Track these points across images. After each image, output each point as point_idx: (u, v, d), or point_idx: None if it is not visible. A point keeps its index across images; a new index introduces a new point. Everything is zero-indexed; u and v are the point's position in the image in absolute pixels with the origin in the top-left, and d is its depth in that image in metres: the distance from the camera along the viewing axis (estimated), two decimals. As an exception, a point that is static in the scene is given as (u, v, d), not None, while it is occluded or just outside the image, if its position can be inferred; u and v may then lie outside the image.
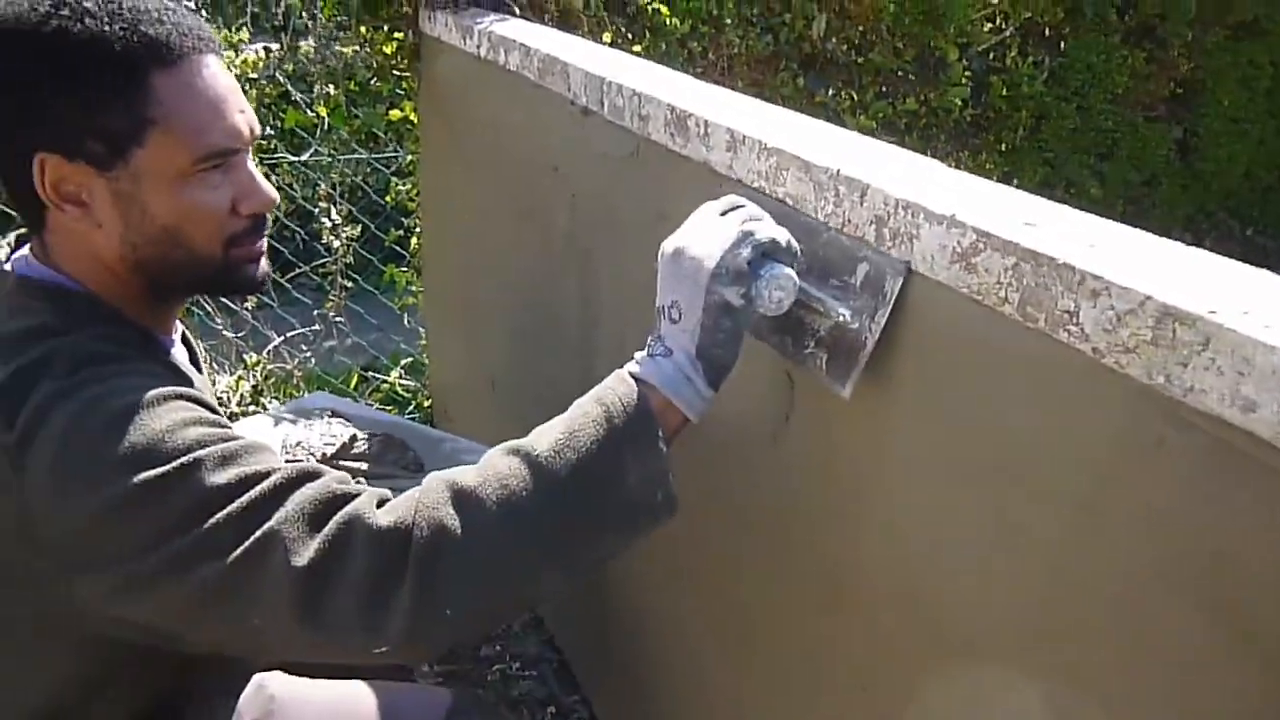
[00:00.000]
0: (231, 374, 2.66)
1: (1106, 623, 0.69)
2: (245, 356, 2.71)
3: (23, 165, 0.88)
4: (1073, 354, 0.67)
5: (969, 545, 0.81)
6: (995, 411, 0.77)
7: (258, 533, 0.78)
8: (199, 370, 1.12)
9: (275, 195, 0.98)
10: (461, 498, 0.81)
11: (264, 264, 1.00)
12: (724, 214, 0.91)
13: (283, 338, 2.79)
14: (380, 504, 0.83)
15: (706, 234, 0.89)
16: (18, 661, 0.93)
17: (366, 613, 0.77)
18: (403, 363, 2.93)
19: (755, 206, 0.92)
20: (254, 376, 2.66)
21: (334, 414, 1.66)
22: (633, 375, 0.89)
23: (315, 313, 2.80)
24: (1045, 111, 3.08)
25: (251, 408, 2.56)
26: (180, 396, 0.86)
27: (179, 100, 0.88)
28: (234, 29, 2.19)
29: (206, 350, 2.67)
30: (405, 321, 2.94)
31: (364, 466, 1.52)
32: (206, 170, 0.91)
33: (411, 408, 2.84)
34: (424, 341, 2.86)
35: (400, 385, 2.91)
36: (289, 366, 2.77)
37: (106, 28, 0.86)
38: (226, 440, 0.84)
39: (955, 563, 0.83)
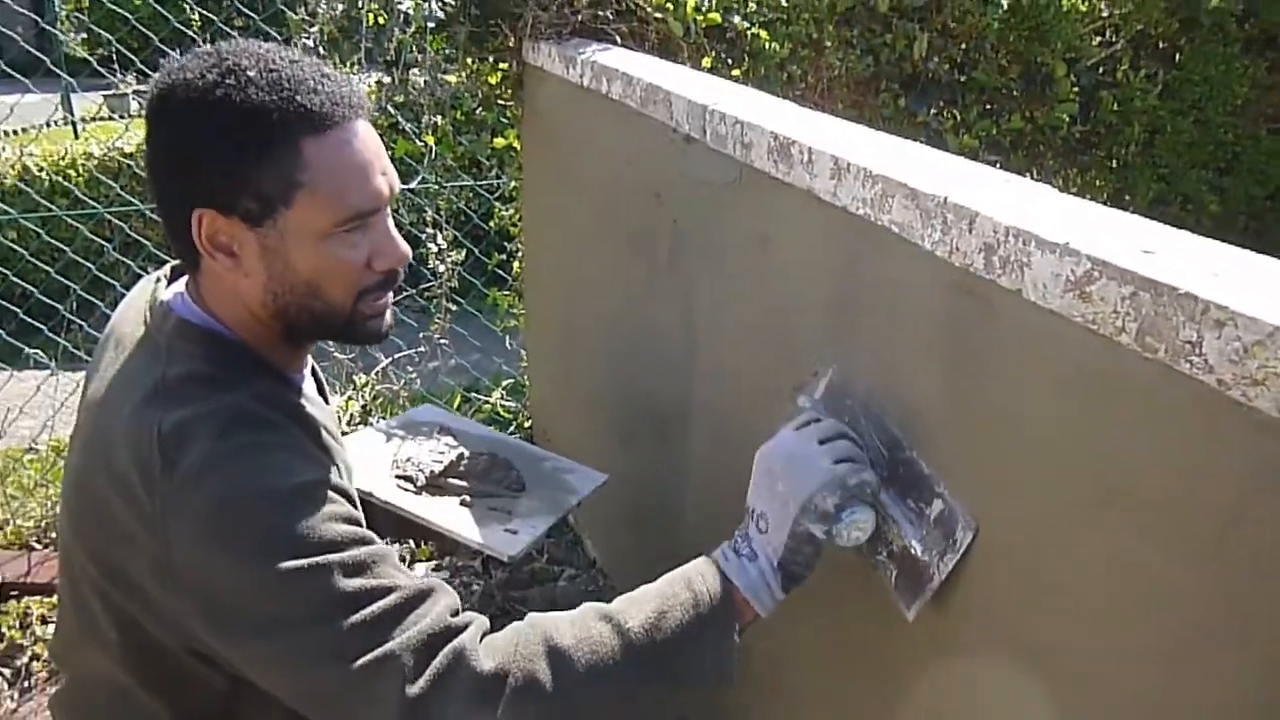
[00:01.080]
0: (341, 394, 2.76)
1: (1239, 670, 0.66)
2: (355, 378, 2.80)
3: (184, 216, 0.95)
4: (1196, 386, 0.65)
5: (1086, 586, 0.79)
6: (1110, 444, 0.75)
7: (377, 651, 0.87)
8: (326, 400, 1.18)
9: (407, 251, 1.02)
10: (555, 656, 0.92)
11: (389, 317, 1.06)
12: (822, 442, 0.99)
13: (390, 359, 2.88)
14: (484, 636, 0.92)
15: (801, 469, 0.98)
16: (166, 679, 1.01)
17: None
18: (504, 384, 2.99)
19: (850, 439, 1.00)
20: (363, 397, 2.75)
21: (442, 429, 1.71)
22: (720, 570, 1.00)
23: (421, 335, 2.88)
24: (1159, 126, 2.97)
25: (360, 427, 2.64)
26: (325, 484, 0.94)
27: (326, 166, 0.94)
28: (349, 65, 2.29)
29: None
30: (507, 343, 3.00)
31: (469, 484, 1.57)
32: (348, 230, 0.97)
33: (512, 428, 2.89)
34: (525, 363, 2.91)
35: (501, 406, 2.97)
36: (395, 387, 2.85)
37: (266, 97, 0.92)
38: (360, 543, 0.92)
39: (1074, 606, 0.81)
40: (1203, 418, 0.66)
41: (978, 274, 0.86)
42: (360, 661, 0.87)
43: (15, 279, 2.89)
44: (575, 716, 0.92)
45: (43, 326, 2.84)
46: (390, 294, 1.04)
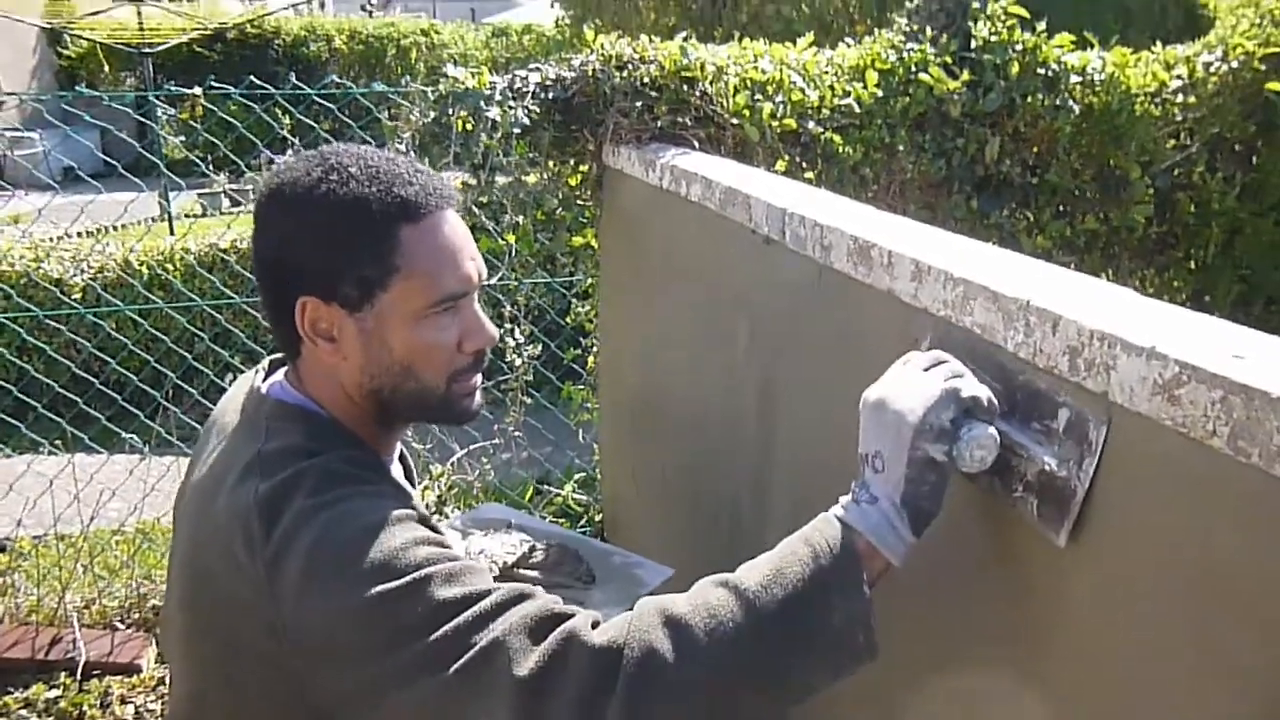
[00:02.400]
0: (419, 485, 2.81)
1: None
2: (431, 468, 2.86)
3: (287, 305, 1.02)
4: (1292, 490, 0.65)
5: (1185, 689, 0.78)
6: (1208, 547, 0.75)
7: (482, 643, 0.86)
8: (413, 485, 1.22)
9: (495, 333, 1.07)
10: (672, 624, 0.87)
11: (479, 397, 1.10)
12: (927, 369, 0.95)
13: (465, 450, 2.93)
14: (594, 625, 0.89)
15: (910, 389, 0.93)
16: None
17: None
18: (576, 477, 3.01)
19: (957, 362, 0.95)
20: (439, 487, 2.80)
21: (511, 525, 1.74)
22: (839, 519, 0.93)
23: (495, 426, 2.93)
24: (1239, 227, 2.95)
25: (435, 517, 2.69)
26: (409, 518, 0.96)
27: (421, 251, 1.00)
28: (438, 167, 2.40)
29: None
30: (580, 437, 3.04)
31: (541, 575, 1.58)
32: (440, 313, 1.02)
33: (583, 521, 2.91)
34: (597, 457, 2.94)
35: (573, 499, 2.99)
36: (470, 478, 2.90)
37: (365, 190, 0.99)
38: (451, 560, 0.93)
39: (1173, 705, 0.79)
40: (1301, 522, 0.65)
41: (1063, 375, 0.87)
42: (463, 659, 0.85)
43: (116, 366, 3.04)
44: (703, 694, 0.86)
45: (139, 412, 2.97)
46: (479, 375, 1.08)
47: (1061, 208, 2.75)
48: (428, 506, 2.76)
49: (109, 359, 3.04)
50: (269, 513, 0.94)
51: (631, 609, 0.94)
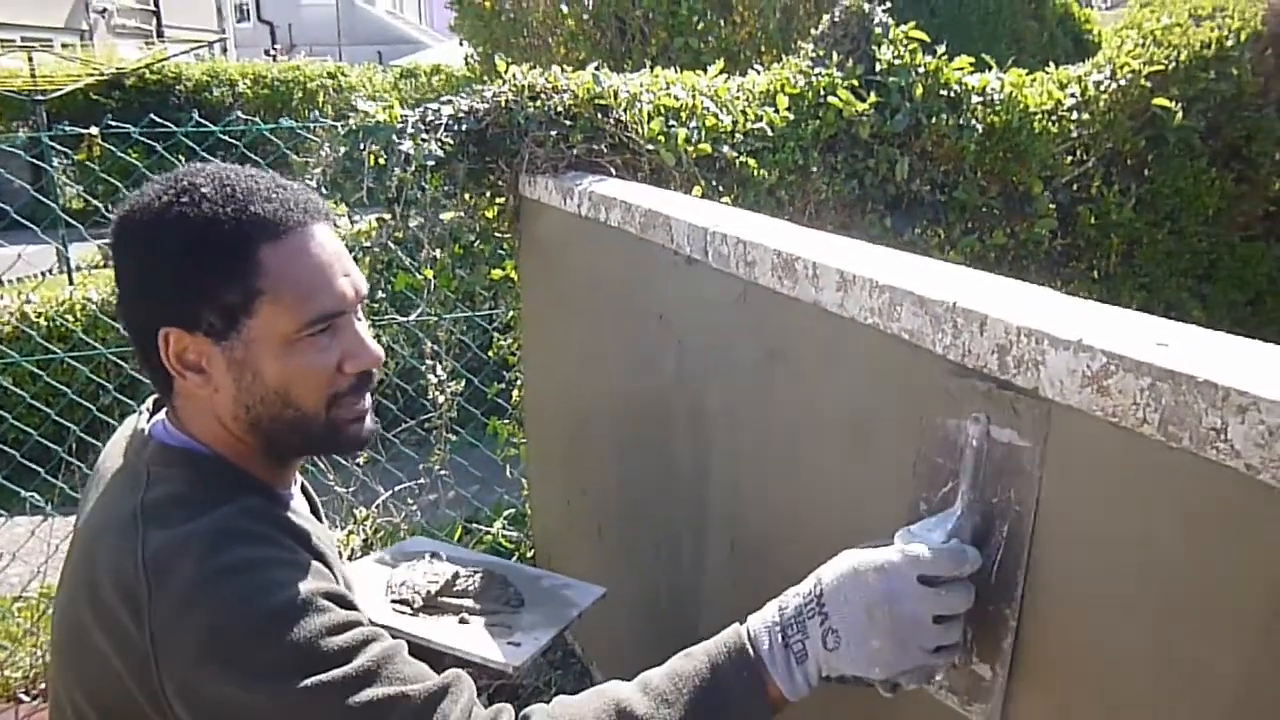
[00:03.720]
0: (343, 529, 2.72)
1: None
2: (355, 511, 2.77)
3: (150, 338, 0.96)
4: (1225, 471, 0.66)
5: (1142, 686, 0.78)
6: (1150, 542, 0.75)
7: None
8: (320, 519, 1.16)
9: (380, 353, 1.02)
10: None
11: (369, 422, 1.04)
12: (929, 584, 0.86)
13: (390, 492, 2.86)
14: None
15: (901, 641, 0.85)
16: None
17: None
18: (505, 513, 2.96)
19: (960, 594, 0.87)
20: (364, 530, 2.72)
21: (434, 555, 1.69)
22: (762, 666, 0.90)
23: (421, 466, 2.87)
24: (1136, 237, 3.07)
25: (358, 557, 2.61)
26: (317, 594, 0.90)
27: (285, 270, 0.95)
28: (350, 204, 2.35)
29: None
30: (508, 473, 2.99)
31: (468, 603, 1.54)
32: (314, 334, 0.96)
33: (514, 558, 2.85)
34: (526, 492, 2.89)
35: (503, 536, 2.94)
36: (396, 520, 2.82)
37: (219, 210, 0.94)
38: (366, 646, 0.89)
39: (1121, 696, 0.80)
40: (1236, 503, 0.66)
41: (992, 374, 0.88)
42: None
43: (14, 421, 2.88)
44: None
45: (40, 469, 2.82)
46: (368, 398, 1.03)
47: (970, 224, 2.83)
48: (352, 552, 2.68)
49: (6, 414, 2.89)
50: (156, 577, 0.89)
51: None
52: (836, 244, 1.24)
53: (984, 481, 0.90)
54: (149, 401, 1.10)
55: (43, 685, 2.46)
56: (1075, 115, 2.87)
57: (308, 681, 0.85)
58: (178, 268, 0.95)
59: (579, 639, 2.47)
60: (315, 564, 0.95)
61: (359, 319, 1.02)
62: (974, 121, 2.70)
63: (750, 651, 0.90)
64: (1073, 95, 2.88)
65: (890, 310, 1.01)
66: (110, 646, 0.90)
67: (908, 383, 1.01)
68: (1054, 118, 2.84)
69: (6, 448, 2.81)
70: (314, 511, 1.16)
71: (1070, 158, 2.94)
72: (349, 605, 0.94)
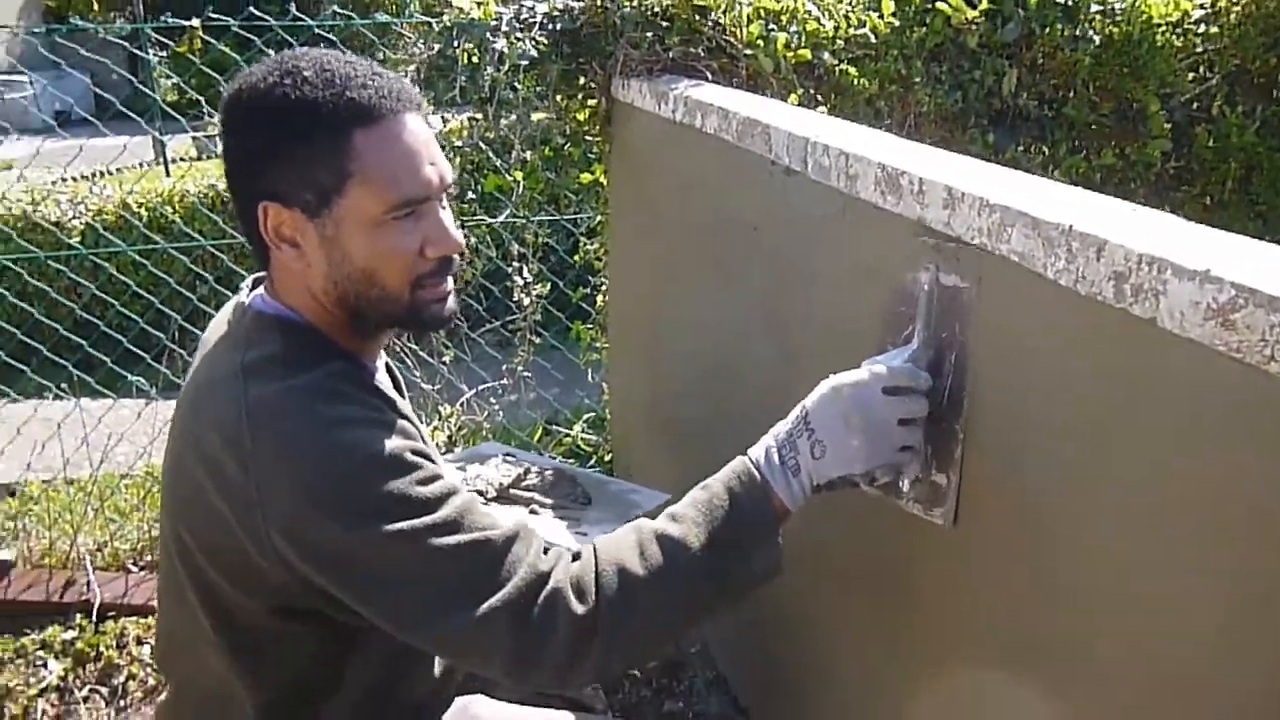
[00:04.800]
0: (428, 425, 2.80)
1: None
2: (440, 408, 2.85)
3: (252, 210, 1.03)
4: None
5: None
6: (1262, 476, 0.73)
7: (484, 607, 0.95)
8: (401, 395, 1.21)
9: (461, 240, 1.07)
10: (635, 589, 0.99)
11: (451, 302, 1.10)
12: (896, 393, 1.05)
13: (473, 391, 2.92)
14: (574, 579, 0.99)
15: (874, 438, 1.03)
16: (273, 654, 1.07)
17: (564, 673, 0.99)
18: (585, 417, 3.00)
19: (923, 401, 1.07)
20: (448, 427, 2.79)
21: (508, 455, 1.74)
22: (764, 479, 1.05)
23: (504, 367, 2.91)
24: (1257, 163, 2.90)
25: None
26: (406, 449, 0.99)
27: (376, 156, 0.99)
28: (442, 102, 2.35)
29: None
30: (589, 377, 3.03)
31: (538, 496, 1.60)
32: (400, 218, 1.01)
33: (592, 461, 2.90)
34: (606, 397, 2.93)
35: (582, 439, 2.99)
36: (479, 419, 2.89)
37: (319, 94, 0.99)
38: (449, 498, 0.99)
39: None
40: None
41: (1106, 302, 0.84)
42: (471, 616, 0.95)
43: (120, 309, 3.01)
44: (660, 632, 1.04)
45: (145, 355, 2.95)
46: (450, 281, 1.09)
47: (1078, 142, 2.70)
48: (437, 446, 2.75)
49: (113, 301, 3.01)
50: (259, 426, 0.97)
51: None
52: (944, 159, 1.20)
53: (935, 320, 1.09)
54: (249, 280, 1.17)
55: (149, 557, 2.61)
56: (1202, 28, 2.69)
57: (401, 525, 0.95)
58: (277, 145, 1.00)
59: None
60: (402, 423, 1.03)
61: (444, 206, 1.07)
62: (1091, 32, 2.55)
63: (756, 474, 1.05)
64: (1201, 6, 2.70)
65: (1000, 231, 0.98)
66: (215, 490, 0.99)
67: (1015, 306, 0.99)
68: (1179, 30, 2.67)
69: (113, 333, 2.94)
70: (396, 387, 1.22)
71: (1192, 74, 2.77)
72: (432, 461, 1.02)
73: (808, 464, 1.04)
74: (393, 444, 0.98)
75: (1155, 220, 0.90)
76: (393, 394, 1.11)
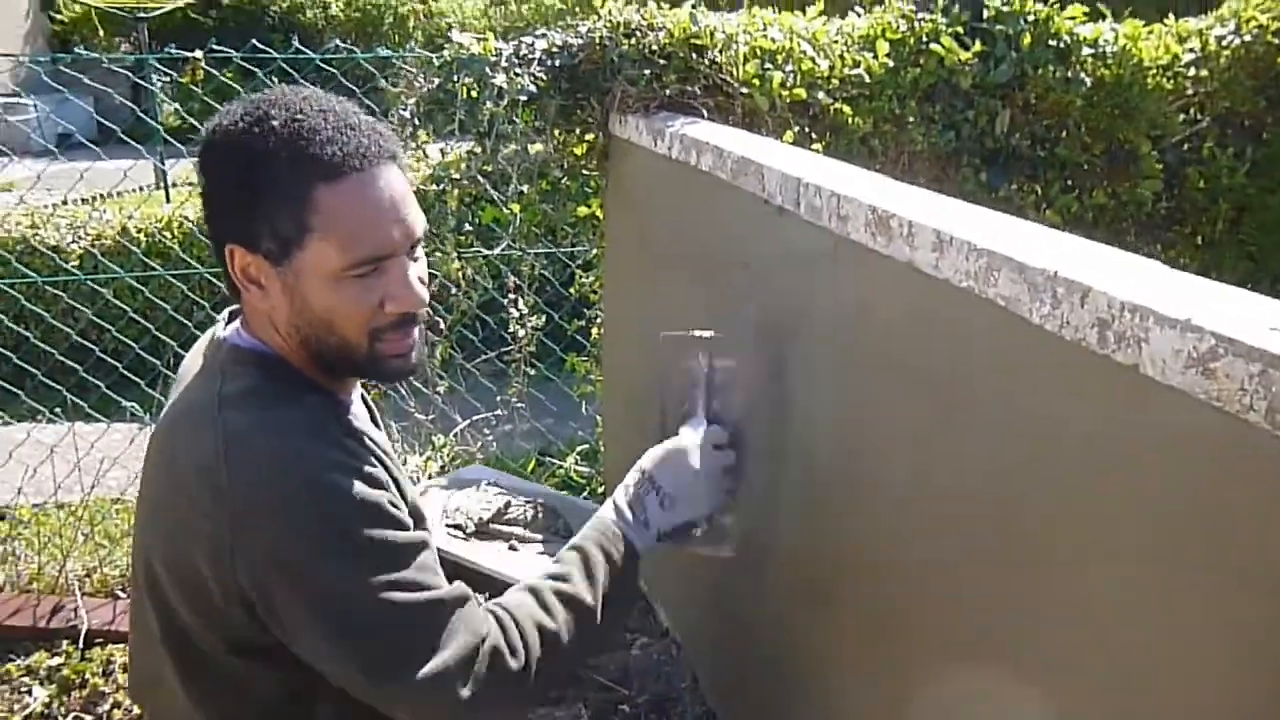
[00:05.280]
0: (421, 454, 2.80)
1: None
2: (434, 439, 2.85)
3: (220, 250, 1.06)
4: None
5: (1204, 663, 0.77)
6: (1237, 521, 0.74)
7: (434, 663, 1.01)
8: (377, 426, 1.23)
9: (423, 296, 1.08)
10: (553, 643, 1.12)
11: (413, 357, 1.11)
12: (717, 447, 1.35)
13: (467, 421, 2.92)
14: (506, 638, 1.09)
15: (710, 481, 1.33)
16: (232, 692, 1.08)
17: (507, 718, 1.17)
18: (578, 449, 3.01)
19: (733, 454, 1.38)
20: (442, 457, 2.79)
21: (491, 484, 1.73)
22: (625, 538, 1.24)
23: (498, 398, 2.92)
24: (1247, 204, 2.93)
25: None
26: (373, 493, 1.02)
27: (336, 213, 1.00)
28: (440, 134, 2.37)
29: (399, 432, 2.82)
30: (583, 409, 3.03)
31: (519, 531, 1.58)
32: (361, 274, 1.02)
33: (585, 493, 2.90)
34: (600, 429, 2.93)
35: (575, 471, 2.99)
36: (472, 449, 2.89)
37: (283, 148, 0.99)
38: (410, 553, 1.03)
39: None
40: None
41: (1090, 349, 0.86)
42: (423, 673, 1.00)
43: (116, 334, 3.02)
44: (568, 672, 1.34)
45: (139, 380, 2.95)
46: (415, 333, 1.10)
47: (1070, 182, 2.73)
48: (429, 476, 2.75)
49: (108, 326, 3.02)
50: (233, 457, 0.98)
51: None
52: (934, 202, 1.22)
53: (715, 393, 1.42)
54: (225, 312, 1.18)
55: (138, 583, 2.60)
56: (1192, 71, 2.73)
57: (366, 579, 0.98)
58: (241, 192, 1.02)
59: (644, 578, 2.52)
60: (374, 471, 1.04)
61: (415, 258, 1.07)
62: (1082, 74, 2.58)
63: (618, 532, 1.24)
64: (1191, 50, 2.74)
65: (987, 275, 0.99)
66: (188, 520, 1.01)
67: (1000, 348, 1.00)
68: (1169, 73, 2.70)
69: (108, 358, 2.95)
70: (372, 418, 1.23)
71: (1183, 116, 2.81)
72: (404, 502, 1.06)
73: (656, 517, 1.26)
74: (365, 493, 1.00)
75: (1139, 266, 0.91)
76: (368, 427, 1.13)
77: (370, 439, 1.09)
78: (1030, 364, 0.95)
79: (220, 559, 0.98)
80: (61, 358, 2.94)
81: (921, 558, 1.17)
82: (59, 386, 2.89)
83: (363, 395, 1.24)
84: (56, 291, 3.54)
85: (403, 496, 1.09)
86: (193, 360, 1.15)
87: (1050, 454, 0.94)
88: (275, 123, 1.00)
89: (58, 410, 2.93)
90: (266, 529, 0.98)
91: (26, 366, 2.86)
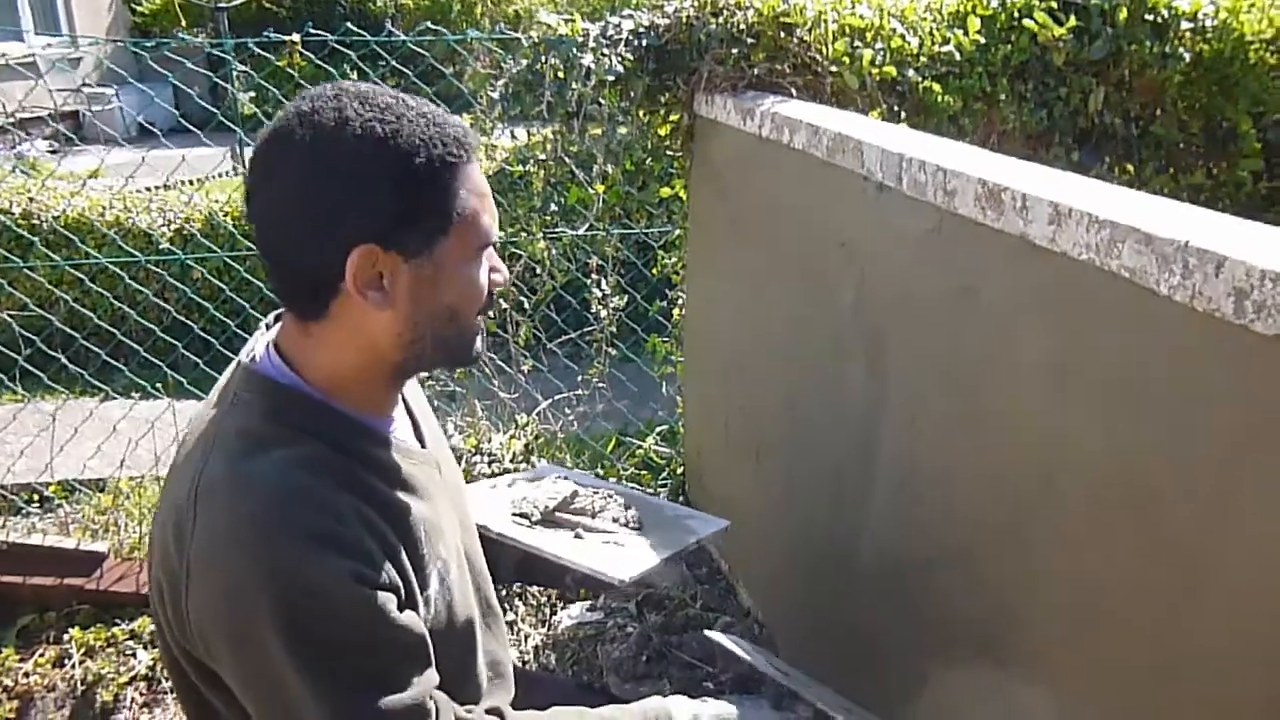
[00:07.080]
0: (505, 433, 2.85)
1: None
2: (517, 417, 2.89)
3: (335, 255, 0.94)
4: None
5: None
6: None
7: None
8: (422, 443, 1.16)
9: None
10: None
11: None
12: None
13: (549, 400, 2.96)
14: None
15: None
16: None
17: None
18: (658, 430, 3.02)
19: None
20: (524, 436, 2.83)
21: (562, 478, 1.71)
22: None
23: (580, 378, 2.95)
24: (1352, 183, 2.82)
25: (523, 464, 2.72)
26: (345, 576, 0.92)
27: (471, 195, 0.99)
28: (529, 116, 2.40)
29: (483, 410, 2.87)
30: (664, 390, 3.05)
31: (585, 520, 1.57)
32: (480, 256, 1.02)
33: (664, 474, 2.92)
34: (680, 410, 2.94)
35: (654, 452, 3.00)
36: (553, 428, 2.93)
37: (421, 133, 0.95)
38: (377, 650, 0.94)
39: None
40: None
41: (1226, 319, 0.84)
42: None
43: (214, 311, 3.12)
44: None
45: (234, 356, 3.03)
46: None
47: (1165, 161, 2.65)
48: (514, 455, 2.79)
49: (206, 303, 3.13)
50: (199, 509, 0.93)
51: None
52: (1043, 174, 1.20)
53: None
54: (270, 316, 1.10)
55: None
56: (1297, 45, 2.63)
57: (308, 673, 0.90)
58: (387, 186, 0.93)
59: (727, 557, 2.53)
60: (353, 536, 0.94)
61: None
62: (1181, 50, 2.51)
63: None
64: (1297, 23, 2.63)
65: (1110, 247, 0.98)
66: (165, 541, 0.97)
67: (1123, 321, 0.98)
68: (1273, 48, 2.61)
69: (208, 337, 3.05)
70: (416, 426, 1.16)
71: (1288, 92, 2.71)
72: (365, 580, 0.94)
73: None
74: (331, 571, 0.91)
75: (1274, 235, 0.89)
76: (399, 459, 1.05)
77: (376, 485, 1.01)
78: (1157, 337, 0.93)
79: (179, 602, 0.95)
80: (161, 335, 3.04)
81: (1043, 545, 1.16)
82: (158, 363, 2.99)
83: (409, 407, 1.17)
84: (156, 270, 3.65)
85: (408, 533, 1.01)
86: (225, 375, 1.07)
87: (1184, 428, 0.93)
88: (400, 109, 0.95)
89: (157, 386, 3.04)
90: (215, 593, 0.92)
91: (130, 342, 2.97)
